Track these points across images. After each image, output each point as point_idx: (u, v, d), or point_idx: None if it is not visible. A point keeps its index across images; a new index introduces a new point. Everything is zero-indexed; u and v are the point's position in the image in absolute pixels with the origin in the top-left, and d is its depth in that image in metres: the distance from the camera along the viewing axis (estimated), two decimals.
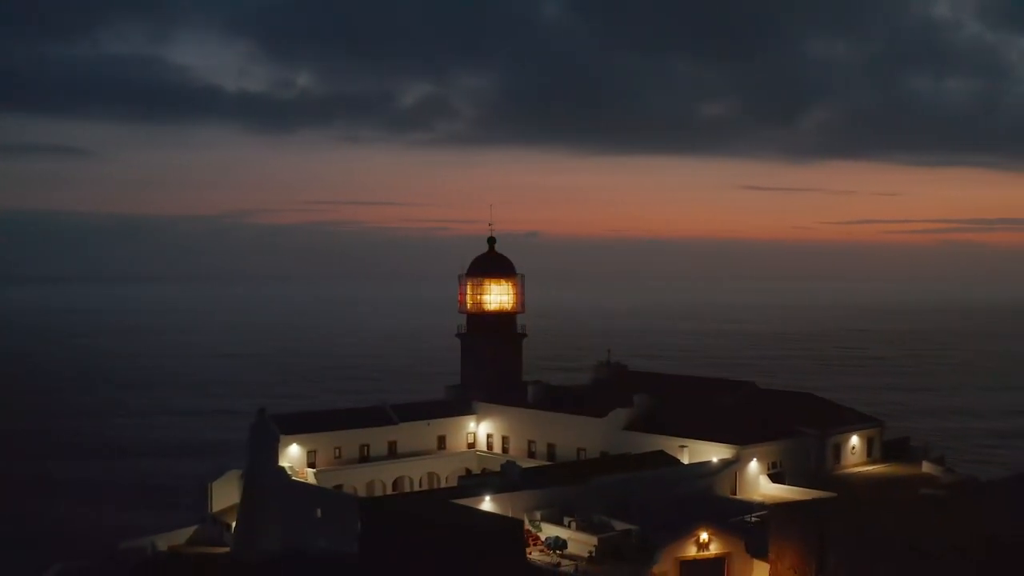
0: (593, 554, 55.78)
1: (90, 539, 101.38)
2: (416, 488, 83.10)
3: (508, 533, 53.84)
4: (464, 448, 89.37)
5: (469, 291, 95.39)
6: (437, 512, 57.31)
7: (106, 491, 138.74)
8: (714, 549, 53.23)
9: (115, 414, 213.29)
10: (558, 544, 56.77)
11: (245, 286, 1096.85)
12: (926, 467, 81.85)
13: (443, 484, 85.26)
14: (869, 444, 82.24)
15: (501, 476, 64.51)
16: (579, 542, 57.13)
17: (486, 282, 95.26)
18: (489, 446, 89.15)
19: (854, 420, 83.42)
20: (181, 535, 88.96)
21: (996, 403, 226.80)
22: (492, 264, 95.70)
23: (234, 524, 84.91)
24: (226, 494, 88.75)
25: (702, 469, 69.85)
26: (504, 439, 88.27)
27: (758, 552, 52.46)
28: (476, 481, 65.59)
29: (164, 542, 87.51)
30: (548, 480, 65.13)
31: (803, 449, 76.70)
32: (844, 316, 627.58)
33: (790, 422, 78.84)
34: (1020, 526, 48.21)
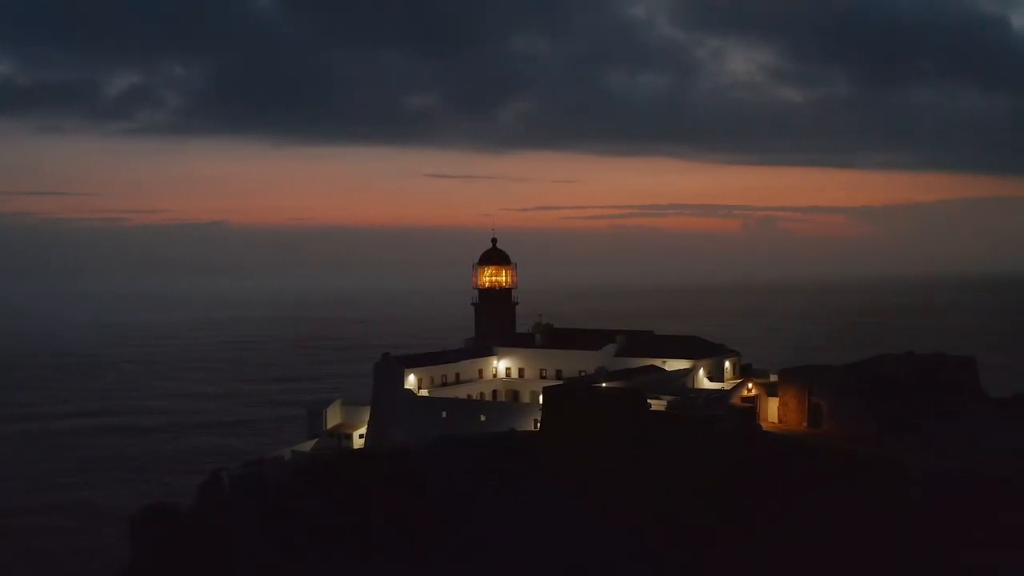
0: (666, 408, 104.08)
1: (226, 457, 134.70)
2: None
3: (635, 395, 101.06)
4: (491, 378, 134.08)
5: (479, 274, 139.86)
6: (587, 390, 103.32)
7: None
8: (754, 392, 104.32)
9: None
10: None
11: None
12: (772, 378, 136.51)
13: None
14: (734, 366, 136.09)
15: (599, 375, 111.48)
16: (656, 405, 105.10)
17: (490, 268, 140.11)
18: (508, 374, 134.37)
19: (727, 351, 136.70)
20: (306, 446, 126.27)
21: None
22: (494, 255, 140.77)
23: (357, 433, 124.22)
24: (335, 416, 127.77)
25: (681, 372, 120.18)
26: (520, 370, 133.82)
27: (772, 393, 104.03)
28: (583, 378, 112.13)
29: (295, 452, 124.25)
30: (616, 378, 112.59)
31: (715, 365, 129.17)
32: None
33: (701, 350, 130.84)
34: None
